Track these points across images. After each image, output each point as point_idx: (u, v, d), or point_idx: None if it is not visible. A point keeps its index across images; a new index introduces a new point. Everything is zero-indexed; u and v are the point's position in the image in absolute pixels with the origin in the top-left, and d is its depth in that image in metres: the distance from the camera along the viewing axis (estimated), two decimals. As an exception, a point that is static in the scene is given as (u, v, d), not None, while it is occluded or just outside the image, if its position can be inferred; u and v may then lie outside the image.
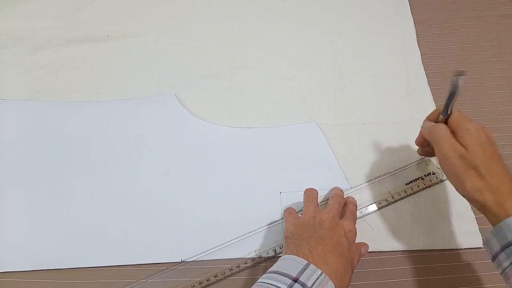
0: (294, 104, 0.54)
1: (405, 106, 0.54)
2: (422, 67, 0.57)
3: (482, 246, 0.44)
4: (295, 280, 0.32)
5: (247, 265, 0.44)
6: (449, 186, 0.48)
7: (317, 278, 0.32)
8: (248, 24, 0.61)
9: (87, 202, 0.48)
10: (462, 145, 0.36)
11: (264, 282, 0.33)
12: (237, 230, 0.46)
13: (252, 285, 0.34)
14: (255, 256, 0.44)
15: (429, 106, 0.53)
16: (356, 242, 0.40)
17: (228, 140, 0.51)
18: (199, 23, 0.61)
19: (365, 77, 0.56)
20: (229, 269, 0.44)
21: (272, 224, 0.46)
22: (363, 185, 0.48)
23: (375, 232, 0.46)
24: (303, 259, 0.34)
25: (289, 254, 0.35)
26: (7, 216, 0.47)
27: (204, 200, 0.48)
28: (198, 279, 0.43)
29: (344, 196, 0.45)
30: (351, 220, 0.41)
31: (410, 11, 0.62)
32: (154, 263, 0.44)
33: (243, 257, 0.44)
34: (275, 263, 0.42)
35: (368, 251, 0.44)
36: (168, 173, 0.49)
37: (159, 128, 0.52)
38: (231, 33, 0.60)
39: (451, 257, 0.44)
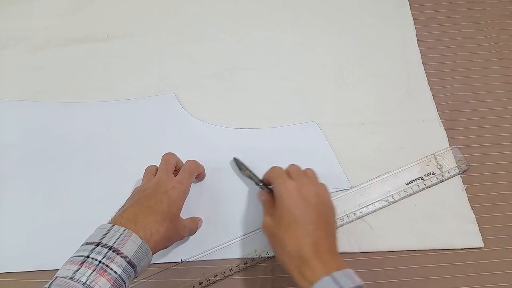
0: (294, 104, 0.54)
1: (405, 106, 0.54)
2: (422, 67, 0.57)
3: (482, 246, 0.44)
4: (97, 244, 0.33)
5: (247, 265, 0.44)
6: (449, 186, 0.48)
7: (120, 235, 0.34)
8: (248, 24, 0.61)
9: (87, 201, 0.48)
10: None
11: (71, 256, 0.34)
12: (237, 230, 0.46)
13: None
14: (255, 256, 0.44)
15: (429, 106, 0.53)
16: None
17: (228, 141, 0.51)
18: (199, 23, 0.61)
19: (365, 77, 0.56)
20: (229, 269, 0.44)
21: (272, 224, 0.46)
22: (363, 185, 0.48)
23: (375, 232, 0.46)
24: (109, 224, 0.35)
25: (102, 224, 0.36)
26: (7, 216, 0.47)
27: (204, 200, 0.48)
28: (198, 279, 0.43)
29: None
30: (179, 178, 0.42)
31: (410, 11, 0.62)
32: (154, 263, 0.44)
33: (243, 257, 0.44)
34: (274, 263, 0.42)
35: (368, 251, 0.44)
36: None
37: (159, 128, 0.52)
38: (231, 33, 0.60)
39: (451, 257, 0.44)
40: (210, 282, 0.43)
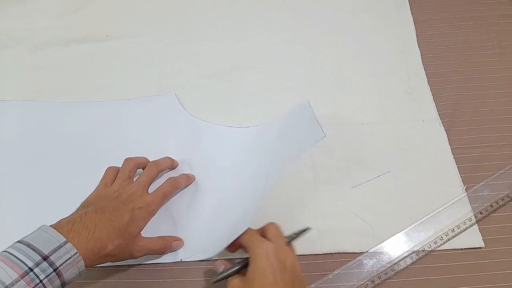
0: (294, 104, 0.54)
1: (405, 106, 0.54)
2: (422, 67, 0.57)
3: (482, 246, 0.44)
4: (45, 258, 0.32)
5: (247, 265, 0.44)
6: (449, 186, 0.48)
7: (69, 258, 0.33)
8: (248, 24, 0.61)
9: (87, 202, 0.48)
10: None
11: (10, 253, 0.31)
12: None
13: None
14: (255, 256, 0.44)
15: (429, 106, 0.53)
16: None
17: (227, 140, 0.51)
18: (199, 23, 0.61)
19: (365, 77, 0.56)
20: (229, 269, 0.44)
21: (272, 224, 0.46)
22: (363, 184, 0.48)
23: (375, 232, 0.46)
24: (62, 236, 0.33)
25: (50, 226, 0.35)
26: (7, 216, 0.47)
27: (204, 200, 0.48)
28: (198, 279, 0.43)
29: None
30: (151, 199, 0.42)
31: (410, 11, 0.62)
32: (154, 263, 0.44)
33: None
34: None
35: (368, 251, 0.44)
36: (168, 172, 0.49)
37: (159, 128, 0.52)
38: (231, 33, 0.60)
39: (451, 257, 0.44)
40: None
